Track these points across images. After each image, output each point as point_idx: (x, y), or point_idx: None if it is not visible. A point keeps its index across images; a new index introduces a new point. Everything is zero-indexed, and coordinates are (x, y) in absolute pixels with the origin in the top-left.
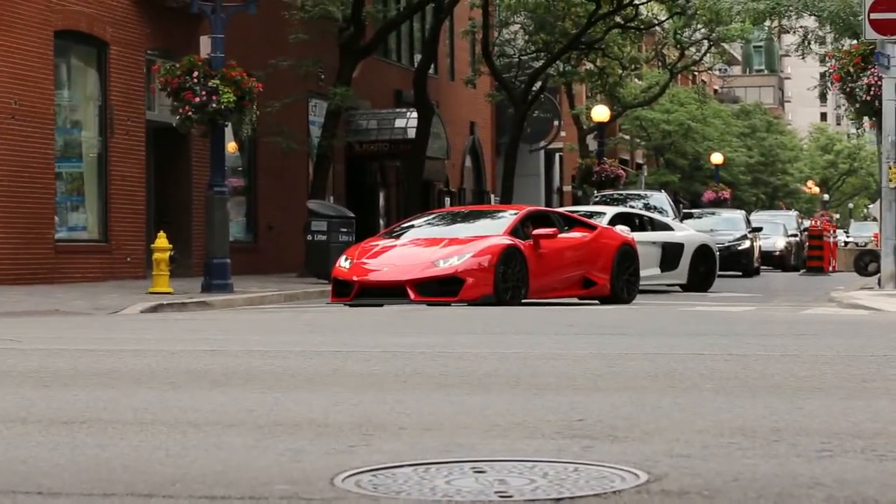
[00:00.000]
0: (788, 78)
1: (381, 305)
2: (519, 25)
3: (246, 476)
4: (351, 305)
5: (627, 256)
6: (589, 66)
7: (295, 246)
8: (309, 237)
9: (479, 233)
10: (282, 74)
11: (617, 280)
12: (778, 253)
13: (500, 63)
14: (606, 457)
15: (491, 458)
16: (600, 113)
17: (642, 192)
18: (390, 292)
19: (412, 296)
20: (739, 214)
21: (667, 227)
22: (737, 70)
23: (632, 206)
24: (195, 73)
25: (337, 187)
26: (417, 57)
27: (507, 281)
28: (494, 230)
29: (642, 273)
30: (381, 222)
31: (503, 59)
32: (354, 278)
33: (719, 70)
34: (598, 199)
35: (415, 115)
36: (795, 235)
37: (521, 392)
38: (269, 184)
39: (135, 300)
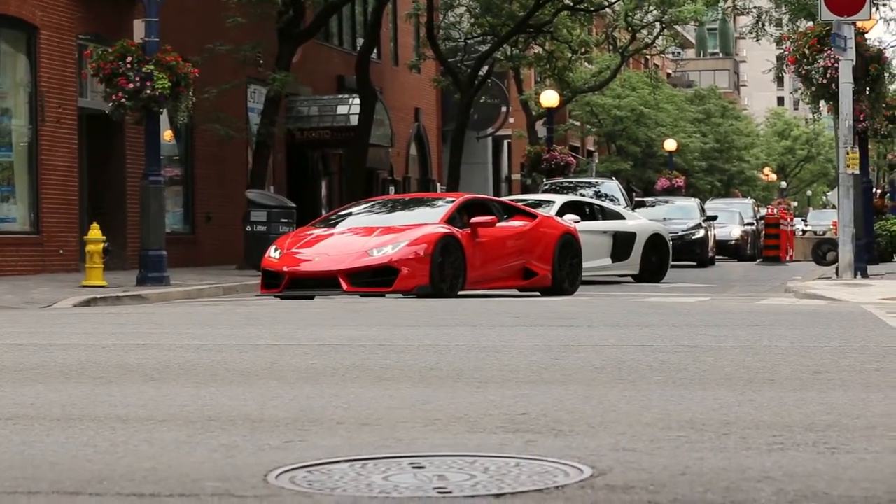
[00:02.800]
0: (744, 61)
1: (312, 297)
2: (465, 8)
3: (176, 473)
4: (281, 298)
5: (569, 246)
6: (537, 49)
7: (234, 237)
8: (248, 228)
9: (416, 221)
10: (219, 59)
11: (559, 271)
12: (733, 242)
13: (446, 47)
14: (550, 451)
15: (430, 454)
16: (549, 98)
17: (593, 180)
18: (322, 283)
19: (344, 286)
20: (694, 203)
21: (618, 216)
22: (690, 53)
23: (582, 195)
24: (129, 59)
25: (277, 176)
26: (360, 41)
27: (445, 271)
28: (431, 218)
29: (593, 263)
30: (324, 212)
31: (448, 42)
32: (284, 269)
33: (672, 53)
34: (547, 187)
35: (357, 101)
36: (752, 224)
37: (463, 385)
38: (207, 173)
39: (67, 294)
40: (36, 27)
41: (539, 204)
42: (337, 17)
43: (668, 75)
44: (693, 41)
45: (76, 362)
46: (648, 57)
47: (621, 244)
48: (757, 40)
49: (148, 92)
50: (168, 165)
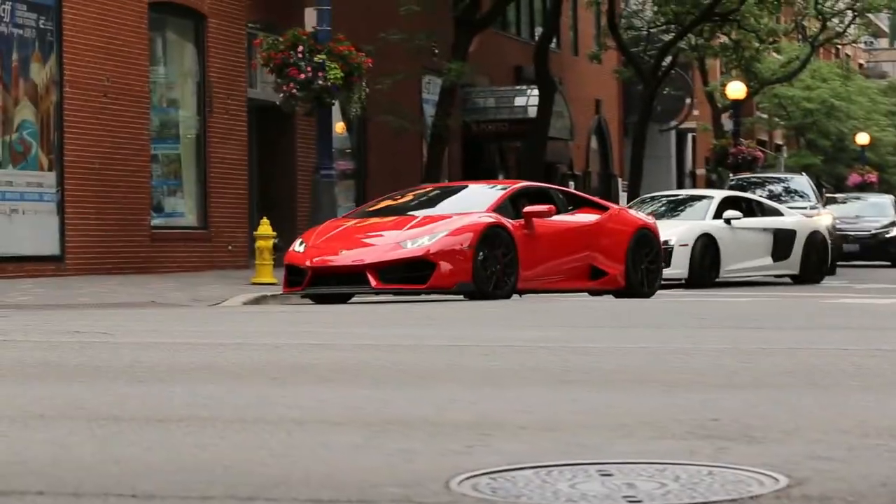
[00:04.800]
0: None
1: (346, 299)
2: None
3: (354, 478)
4: (305, 296)
5: (646, 242)
6: (723, 39)
7: None
8: None
9: (461, 210)
10: (393, 49)
11: (633, 270)
12: None
13: (628, 36)
14: (742, 459)
15: (618, 461)
16: (736, 90)
17: (782, 176)
18: (348, 279)
19: (373, 283)
20: (887, 199)
21: (776, 213)
22: (883, 43)
23: (771, 191)
24: (300, 48)
25: (453, 170)
26: (538, 30)
27: (490, 266)
28: (478, 207)
29: (754, 263)
30: None
31: (631, 31)
32: (307, 263)
33: (864, 43)
34: (733, 182)
35: (536, 92)
36: None
37: (649, 389)
38: (380, 166)
39: (236, 291)
40: (204, 15)
41: (694, 198)
42: (515, 5)
43: (860, 66)
44: (886, 30)
45: (249, 362)
46: (839, 47)
47: (781, 242)
48: None
49: (320, 82)
50: (340, 159)
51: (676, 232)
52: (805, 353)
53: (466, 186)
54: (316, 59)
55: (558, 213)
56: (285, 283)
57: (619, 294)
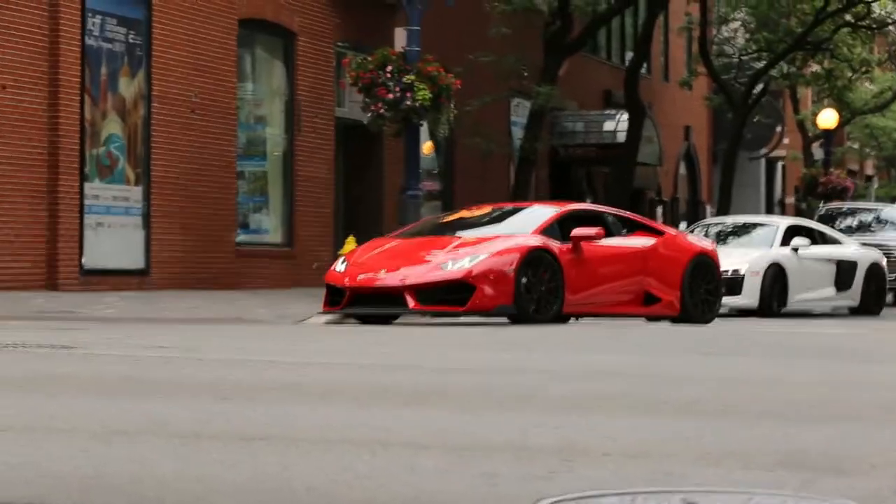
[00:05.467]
0: None
1: (390, 318)
2: (739, 22)
3: (439, 501)
4: (347, 316)
5: (704, 269)
6: (815, 68)
7: None
8: None
9: (505, 232)
10: (481, 71)
11: (689, 297)
12: None
13: (719, 63)
14: (829, 491)
15: (703, 489)
16: (827, 119)
17: (872, 206)
18: (386, 300)
19: (411, 304)
20: None
21: (836, 241)
22: None
23: (861, 221)
24: (389, 68)
25: (540, 194)
26: (629, 55)
27: (533, 290)
28: (523, 230)
29: (817, 294)
30: None
31: (722, 58)
32: (346, 282)
33: None
34: (822, 212)
35: (625, 117)
36: None
37: (735, 418)
38: (467, 188)
39: (321, 309)
40: (293, 33)
41: (755, 225)
42: (605, 29)
43: None
44: None
45: (333, 382)
46: None
47: (844, 272)
48: None
49: (408, 103)
50: (426, 179)
51: (748, 260)
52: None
53: (520, 209)
54: (405, 79)
55: (610, 236)
56: (325, 301)
57: (675, 321)
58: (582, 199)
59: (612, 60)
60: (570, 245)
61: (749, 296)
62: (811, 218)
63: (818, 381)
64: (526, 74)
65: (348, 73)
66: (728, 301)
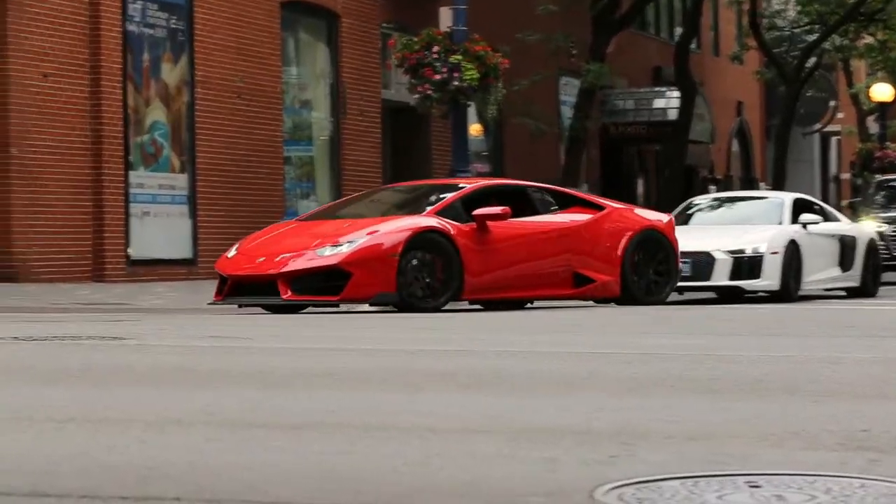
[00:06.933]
0: None
1: (298, 308)
2: None
3: (496, 487)
4: (231, 304)
5: (653, 244)
6: (869, 39)
7: None
8: None
9: (405, 212)
10: (529, 49)
11: (632, 277)
12: None
13: (770, 37)
14: (895, 471)
15: (766, 472)
16: (882, 92)
17: None
18: (260, 289)
19: (283, 294)
20: None
21: (835, 218)
22: None
23: None
24: (435, 48)
25: (591, 173)
26: (678, 30)
27: (421, 275)
28: (421, 209)
29: (823, 275)
30: None
31: (773, 32)
32: (226, 272)
33: None
34: (876, 186)
35: (675, 94)
36: None
37: (797, 399)
38: (517, 169)
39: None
40: (337, 14)
41: (754, 199)
42: (654, 5)
43: None
44: None
45: (383, 368)
46: None
47: (847, 251)
48: None
49: (455, 83)
50: (475, 161)
51: (765, 238)
52: None
53: (436, 187)
54: (451, 59)
55: (535, 213)
56: (216, 291)
57: (619, 303)
58: (633, 179)
59: (660, 36)
60: (473, 225)
61: (770, 277)
62: (863, 194)
63: (878, 359)
64: (574, 52)
65: (394, 55)
66: (748, 284)
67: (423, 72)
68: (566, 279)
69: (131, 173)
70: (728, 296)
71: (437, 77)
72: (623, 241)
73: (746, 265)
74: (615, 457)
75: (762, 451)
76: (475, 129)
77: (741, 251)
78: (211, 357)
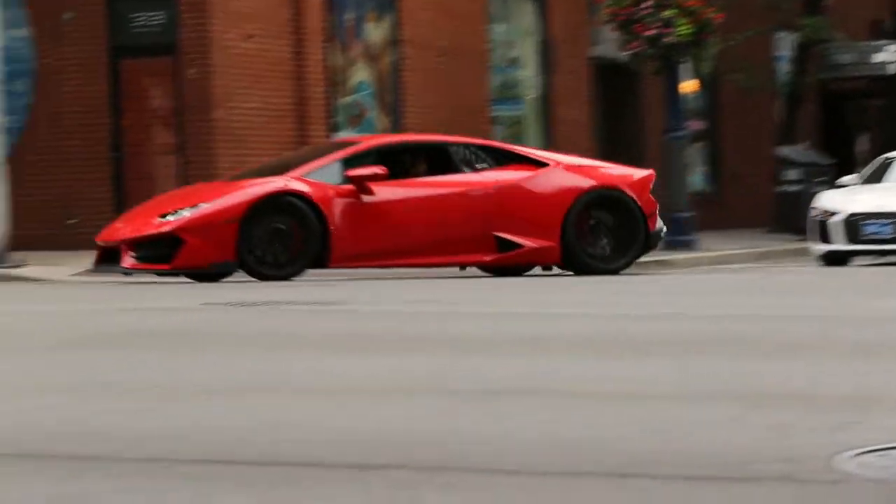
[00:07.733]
0: None
1: (221, 275)
2: None
3: (729, 454)
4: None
5: (611, 205)
6: None
7: (762, 198)
8: (779, 188)
9: (272, 175)
10: (744, 4)
11: (575, 240)
12: None
13: None
14: None
15: None
16: None
17: None
18: (111, 257)
19: (126, 262)
20: None
21: None
22: None
23: None
24: (647, 3)
25: (808, 130)
26: None
27: (270, 242)
28: (292, 171)
29: None
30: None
31: None
32: (100, 239)
33: None
34: None
35: (895, 48)
36: None
37: None
38: (733, 127)
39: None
40: None
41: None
42: None
43: None
44: None
45: (587, 334)
46: None
47: None
48: None
49: (668, 39)
50: (691, 119)
51: None
52: None
53: (344, 144)
54: (664, 14)
55: (457, 172)
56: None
57: (574, 272)
58: (854, 135)
59: None
60: (351, 187)
61: None
62: None
63: None
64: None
65: (604, 10)
66: None
67: (634, 28)
68: (488, 244)
69: (336, 135)
70: None
71: (649, 33)
72: (566, 202)
73: None
74: (849, 423)
75: None
76: (688, 85)
77: None
78: (423, 322)
